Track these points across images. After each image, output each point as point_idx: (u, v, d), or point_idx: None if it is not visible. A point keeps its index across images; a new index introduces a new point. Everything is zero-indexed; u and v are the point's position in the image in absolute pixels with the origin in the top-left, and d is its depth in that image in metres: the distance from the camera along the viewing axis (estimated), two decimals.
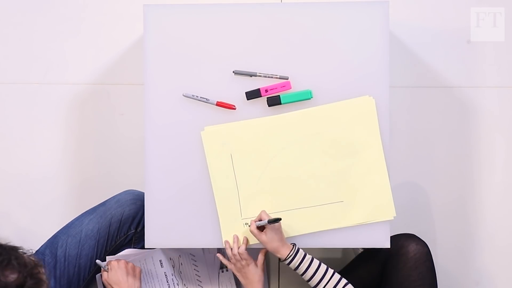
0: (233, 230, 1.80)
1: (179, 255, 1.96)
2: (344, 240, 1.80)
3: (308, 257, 1.72)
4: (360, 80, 1.78)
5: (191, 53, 1.80)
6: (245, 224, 1.80)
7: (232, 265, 1.81)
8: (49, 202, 2.15)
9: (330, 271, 1.71)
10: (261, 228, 1.73)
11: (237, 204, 1.80)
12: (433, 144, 2.13)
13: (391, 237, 1.80)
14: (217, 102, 1.75)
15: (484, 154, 2.13)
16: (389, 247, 1.79)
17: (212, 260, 1.98)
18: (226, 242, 1.79)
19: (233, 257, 1.79)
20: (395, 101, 2.03)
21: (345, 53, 1.78)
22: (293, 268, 1.73)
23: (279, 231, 1.73)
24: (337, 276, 1.71)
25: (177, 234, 1.82)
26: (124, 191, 1.95)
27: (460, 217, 2.13)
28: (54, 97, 2.16)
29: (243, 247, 1.77)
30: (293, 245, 1.73)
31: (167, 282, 1.95)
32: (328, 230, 1.79)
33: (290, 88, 1.79)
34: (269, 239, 1.71)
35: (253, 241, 1.79)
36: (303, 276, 1.72)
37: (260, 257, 1.81)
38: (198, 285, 1.98)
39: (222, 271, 1.99)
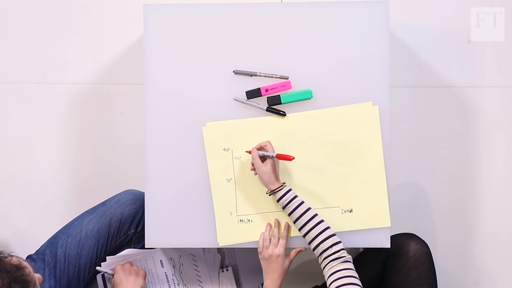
0: (227, 225, 1.80)
1: (180, 255, 1.96)
2: (344, 240, 1.80)
3: (299, 198, 1.71)
4: (360, 80, 1.78)
5: (191, 53, 1.80)
6: (240, 220, 1.81)
7: (262, 250, 1.76)
8: (49, 202, 2.15)
9: (317, 218, 1.69)
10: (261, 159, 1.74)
11: (233, 200, 1.80)
12: (433, 144, 2.13)
13: (391, 236, 1.80)
14: (277, 154, 1.73)
15: (484, 153, 2.13)
16: (389, 247, 1.79)
17: (212, 260, 1.98)
18: (268, 224, 1.79)
19: (269, 239, 1.76)
20: (395, 101, 2.03)
21: (346, 53, 1.78)
22: (281, 206, 1.73)
23: (278, 165, 1.74)
24: (324, 224, 1.68)
25: (177, 234, 1.82)
26: (124, 191, 1.95)
27: (460, 217, 2.13)
28: (54, 97, 2.16)
29: (285, 232, 1.77)
30: (284, 183, 1.74)
31: (168, 282, 1.95)
32: None
33: (291, 87, 1.79)
34: (269, 170, 1.71)
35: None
36: (290, 216, 1.72)
37: (293, 253, 1.79)
38: (199, 285, 1.98)
39: (223, 271, 1.99)
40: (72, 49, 2.16)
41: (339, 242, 1.66)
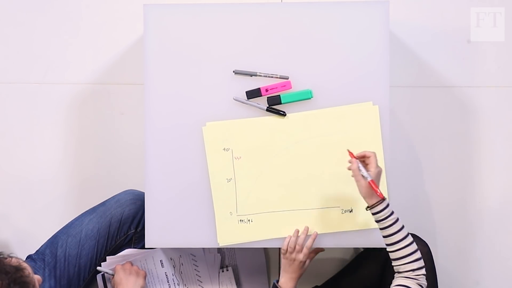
0: (227, 225, 1.80)
1: (180, 255, 1.96)
2: (344, 240, 1.80)
3: (395, 215, 1.61)
4: (360, 80, 1.79)
5: (191, 53, 1.80)
6: (240, 220, 1.81)
7: (286, 253, 1.76)
8: (49, 202, 2.15)
9: (409, 238, 1.61)
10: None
11: (233, 200, 1.80)
12: (433, 144, 2.13)
13: None
14: (371, 181, 1.61)
15: (484, 154, 2.13)
16: None
17: (212, 260, 1.98)
18: (296, 230, 1.78)
19: (294, 246, 1.76)
20: (395, 101, 2.03)
21: (346, 53, 1.79)
22: (375, 220, 1.62)
23: (379, 178, 1.64)
24: (413, 246, 1.61)
25: (177, 234, 1.82)
26: (124, 191, 1.95)
27: (460, 217, 2.13)
28: (54, 97, 2.15)
29: (310, 242, 1.76)
30: (384, 198, 1.63)
31: (168, 282, 1.95)
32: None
33: (291, 87, 1.79)
34: (367, 184, 1.60)
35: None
36: (381, 231, 1.62)
37: (313, 254, 1.80)
38: (199, 285, 1.98)
39: (223, 271, 1.99)
40: (72, 49, 2.16)
41: (423, 267, 1.61)
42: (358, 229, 1.79)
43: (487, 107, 2.13)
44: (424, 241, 1.84)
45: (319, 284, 2.01)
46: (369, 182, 1.59)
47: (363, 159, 1.65)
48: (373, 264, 1.86)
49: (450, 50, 2.13)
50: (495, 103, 2.13)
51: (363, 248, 1.98)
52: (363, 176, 1.60)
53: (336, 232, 1.80)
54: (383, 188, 1.77)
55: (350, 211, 1.79)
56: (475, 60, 2.13)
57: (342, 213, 1.80)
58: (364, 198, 1.62)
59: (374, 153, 1.64)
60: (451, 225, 2.14)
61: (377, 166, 1.63)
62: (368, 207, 1.63)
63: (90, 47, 2.16)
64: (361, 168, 1.62)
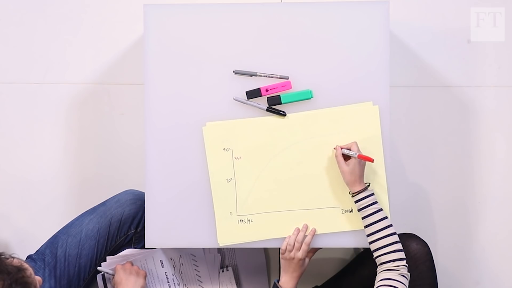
0: (227, 225, 1.80)
1: (180, 255, 1.96)
2: (344, 240, 1.80)
3: (377, 205, 1.70)
4: (360, 80, 1.79)
5: (191, 53, 1.80)
6: (240, 221, 1.81)
7: (285, 252, 1.77)
8: (49, 202, 2.15)
9: (390, 229, 1.68)
10: (345, 158, 1.73)
11: (233, 200, 1.80)
12: (433, 144, 2.13)
13: None
14: (359, 155, 1.71)
15: (484, 153, 2.13)
16: None
17: (212, 260, 1.98)
18: (297, 229, 1.78)
19: (293, 244, 1.76)
20: (395, 101, 2.03)
21: (346, 53, 1.79)
22: (358, 208, 1.71)
23: (363, 167, 1.72)
24: (394, 237, 1.67)
25: (178, 234, 1.82)
26: (124, 191, 1.95)
27: (460, 217, 2.13)
28: (54, 97, 2.15)
29: (309, 238, 1.77)
30: (368, 185, 1.73)
31: (168, 282, 1.95)
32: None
33: (291, 87, 1.79)
34: (350, 170, 1.70)
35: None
36: (363, 220, 1.70)
37: (312, 253, 1.81)
38: (199, 285, 1.98)
39: (223, 271, 1.99)
40: (72, 49, 2.16)
41: (404, 258, 1.66)
42: (358, 229, 1.79)
43: (487, 107, 2.13)
44: (424, 241, 1.84)
45: (319, 284, 2.01)
46: (358, 156, 1.69)
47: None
48: (373, 264, 1.85)
49: (450, 50, 2.13)
50: (495, 103, 2.13)
51: (363, 248, 1.98)
52: (350, 155, 1.70)
53: (336, 232, 1.80)
54: (382, 188, 1.78)
55: (350, 211, 1.79)
56: (475, 60, 2.13)
57: (342, 213, 1.80)
58: (348, 184, 1.72)
59: (355, 142, 1.74)
60: (451, 225, 2.14)
61: (359, 151, 1.73)
62: (352, 193, 1.71)
63: (90, 47, 2.16)
64: (347, 151, 1.72)
